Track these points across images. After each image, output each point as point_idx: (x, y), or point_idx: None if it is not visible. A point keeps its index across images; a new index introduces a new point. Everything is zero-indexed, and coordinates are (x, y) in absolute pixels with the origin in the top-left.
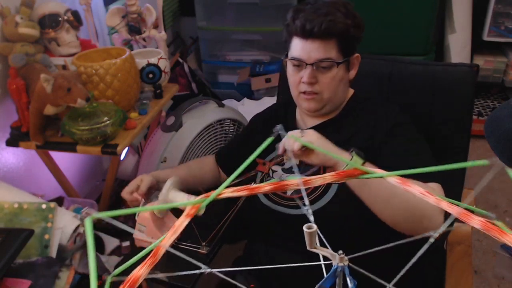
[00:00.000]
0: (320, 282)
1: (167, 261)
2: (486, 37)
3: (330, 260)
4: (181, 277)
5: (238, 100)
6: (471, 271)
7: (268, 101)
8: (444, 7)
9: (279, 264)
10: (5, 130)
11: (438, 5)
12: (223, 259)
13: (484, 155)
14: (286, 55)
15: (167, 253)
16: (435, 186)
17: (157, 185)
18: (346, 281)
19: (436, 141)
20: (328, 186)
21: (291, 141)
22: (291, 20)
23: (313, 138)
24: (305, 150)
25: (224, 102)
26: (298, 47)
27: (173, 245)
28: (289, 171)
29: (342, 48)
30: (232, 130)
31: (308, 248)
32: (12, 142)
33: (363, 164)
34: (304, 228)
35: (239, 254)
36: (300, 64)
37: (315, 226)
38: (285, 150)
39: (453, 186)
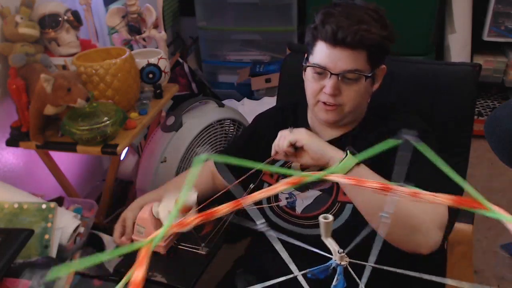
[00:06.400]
0: (313, 269)
1: (167, 263)
2: (486, 37)
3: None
4: (181, 279)
5: (238, 100)
6: (471, 271)
7: (268, 101)
8: (444, 7)
9: (281, 267)
10: (5, 130)
11: (438, 5)
12: (223, 260)
13: (484, 155)
14: (307, 58)
15: (166, 254)
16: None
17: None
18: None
19: (437, 141)
20: (343, 206)
21: (281, 141)
22: (320, 23)
23: (302, 136)
24: (297, 150)
25: (224, 102)
26: (323, 53)
27: (171, 247)
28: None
29: (371, 60)
30: (232, 130)
31: (322, 237)
32: (12, 142)
33: (357, 164)
34: (320, 218)
35: (239, 254)
36: (323, 72)
37: (331, 217)
38: (276, 152)
39: (453, 186)
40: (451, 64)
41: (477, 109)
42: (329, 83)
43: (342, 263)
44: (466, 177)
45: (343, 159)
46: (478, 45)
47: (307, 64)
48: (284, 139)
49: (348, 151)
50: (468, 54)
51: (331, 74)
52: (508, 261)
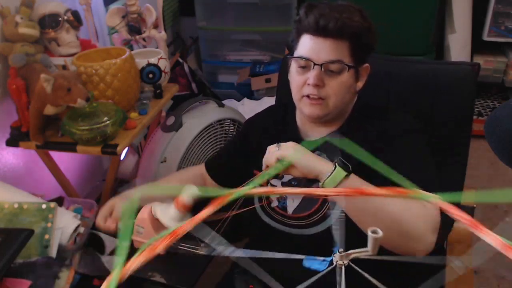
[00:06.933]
0: (311, 257)
1: (166, 263)
2: (486, 37)
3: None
4: (181, 279)
5: (238, 100)
6: (471, 271)
7: (268, 101)
8: (444, 7)
9: (280, 269)
10: (5, 130)
11: (438, 5)
12: (222, 260)
13: (484, 155)
14: (292, 55)
15: (166, 255)
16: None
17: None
18: (346, 279)
19: (436, 141)
20: (332, 206)
21: (269, 157)
22: (304, 14)
23: (288, 151)
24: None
25: (224, 102)
26: (307, 45)
27: (171, 247)
28: (288, 185)
29: (354, 53)
30: (232, 130)
31: (370, 252)
32: (12, 142)
33: (346, 176)
34: (369, 232)
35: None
36: (307, 64)
37: (381, 232)
38: (267, 167)
39: (453, 186)
40: (451, 63)
41: (477, 109)
42: (312, 73)
43: (340, 262)
44: (465, 177)
45: (332, 172)
46: (478, 45)
47: (291, 57)
48: (272, 155)
49: (336, 164)
50: (468, 54)
51: (314, 64)
52: (508, 261)
